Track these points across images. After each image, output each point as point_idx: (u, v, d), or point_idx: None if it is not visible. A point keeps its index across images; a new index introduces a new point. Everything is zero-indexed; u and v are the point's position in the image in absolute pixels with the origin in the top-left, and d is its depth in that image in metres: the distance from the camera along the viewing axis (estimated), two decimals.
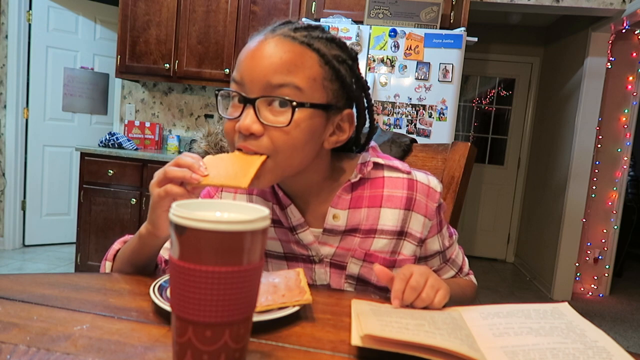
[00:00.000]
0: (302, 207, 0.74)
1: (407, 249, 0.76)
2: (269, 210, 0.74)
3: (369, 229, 0.74)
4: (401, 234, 0.75)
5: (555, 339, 0.50)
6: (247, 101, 0.63)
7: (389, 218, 0.74)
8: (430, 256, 0.81)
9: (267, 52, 0.63)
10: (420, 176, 0.76)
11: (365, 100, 0.74)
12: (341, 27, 2.49)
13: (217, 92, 0.69)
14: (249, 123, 0.62)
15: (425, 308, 0.60)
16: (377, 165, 0.76)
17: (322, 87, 0.65)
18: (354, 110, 0.72)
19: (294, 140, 0.63)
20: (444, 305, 0.61)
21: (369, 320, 0.51)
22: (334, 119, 0.68)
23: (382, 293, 0.73)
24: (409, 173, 0.75)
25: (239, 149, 0.65)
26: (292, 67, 0.63)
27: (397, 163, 0.76)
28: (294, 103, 0.62)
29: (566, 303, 0.60)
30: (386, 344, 0.46)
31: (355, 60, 0.71)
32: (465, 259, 0.89)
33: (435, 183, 0.76)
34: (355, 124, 0.73)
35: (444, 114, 2.46)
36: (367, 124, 0.77)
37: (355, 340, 0.48)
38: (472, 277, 0.90)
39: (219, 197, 0.81)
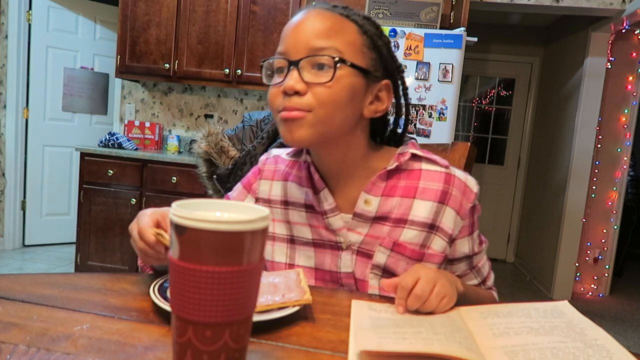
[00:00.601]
0: (335, 191, 0.76)
1: (437, 244, 0.74)
2: (304, 195, 0.76)
3: (399, 218, 0.74)
4: (432, 227, 0.74)
5: (555, 338, 0.50)
6: (291, 64, 0.66)
7: (422, 209, 0.73)
8: (457, 259, 0.78)
9: (308, 21, 0.67)
10: (458, 172, 0.76)
11: (400, 83, 0.76)
12: None
13: (262, 62, 0.71)
14: (293, 83, 0.65)
15: (429, 312, 0.59)
16: (415, 157, 0.76)
17: (361, 53, 0.68)
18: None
19: (336, 94, 0.66)
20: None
21: (365, 335, 0.51)
22: (373, 88, 0.71)
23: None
24: (447, 167, 0.75)
25: (283, 110, 0.67)
26: (332, 32, 0.67)
27: (436, 157, 0.76)
28: (336, 58, 0.65)
29: (566, 301, 0.60)
30: (384, 358, 0.46)
31: (389, 42, 0.74)
32: (492, 273, 0.86)
33: (472, 183, 0.76)
34: (393, 97, 0.75)
35: (443, 114, 2.46)
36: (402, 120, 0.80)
37: (352, 359, 0.48)
38: (495, 294, 0.87)
39: (257, 184, 0.84)
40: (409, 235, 0.73)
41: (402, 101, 0.78)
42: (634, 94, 3.55)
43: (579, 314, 0.56)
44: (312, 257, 0.78)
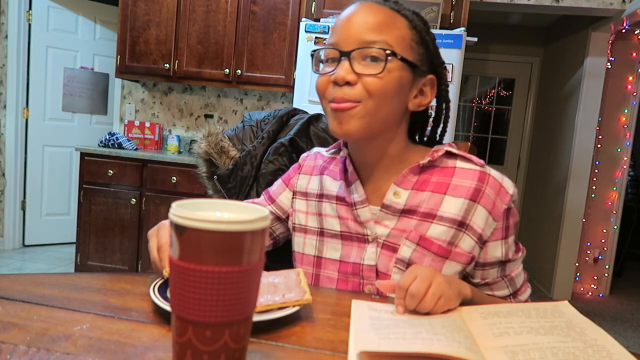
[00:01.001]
0: (368, 184, 0.77)
1: (466, 243, 0.72)
2: (336, 188, 0.79)
3: (428, 212, 0.73)
4: (462, 225, 0.72)
5: (555, 337, 0.50)
6: (342, 54, 0.68)
7: (452, 206, 0.72)
8: (489, 264, 0.75)
9: (361, 14, 0.69)
10: (494, 172, 0.74)
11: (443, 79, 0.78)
12: None
13: (313, 51, 0.73)
14: (344, 73, 0.67)
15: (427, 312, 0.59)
16: (450, 155, 0.76)
17: (410, 48, 0.70)
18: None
19: (385, 86, 0.68)
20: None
21: (365, 336, 0.51)
22: (418, 82, 0.73)
23: None
24: (482, 166, 0.74)
25: (333, 101, 0.69)
26: (383, 26, 0.68)
27: (472, 156, 0.76)
28: (388, 51, 0.67)
29: (566, 301, 0.60)
30: (384, 358, 0.46)
31: (435, 38, 0.76)
32: (528, 286, 0.81)
33: (508, 184, 0.74)
34: (436, 92, 0.77)
35: None
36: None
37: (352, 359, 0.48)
38: None
39: (296, 179, 0.88)
40: (437, 231, 0.72)
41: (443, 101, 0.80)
42: (634, 94, 3.55)
43: (579, 314, 0.56)
44: (339, 249, 0.78)
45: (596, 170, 3.62)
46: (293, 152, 1.09)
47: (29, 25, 3.40)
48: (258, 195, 1.08)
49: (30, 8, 3.38)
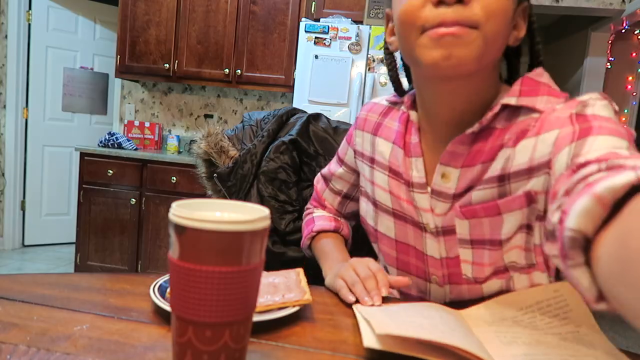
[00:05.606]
0: (428, 153, 0.66)
1: (514, 187, 0.58)
2: (388, 155, 0.71)
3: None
4: (501, 179, 0.59)
5: (565, 351, 0.49)
6: None
7: (495, 169, 0.59)
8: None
9: None
10: (583, 97, 0.58)
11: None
12: (341, 27, 2.49)
13: None
14: None
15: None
16: (511, 109, 0.59)
17: None
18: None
19: (506, 6, 0.53)
20: None
21: (381, 320, 0.48)
22: (516, 10, 0.59)
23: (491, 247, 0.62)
24: (567, 100, 0.58)
25: (438, 26, 0.52)
26: None
27: (554, 90, 0.60)
28: None
29: (567, 283, 0.57)
30: (404, 345, 0.43)
31: None
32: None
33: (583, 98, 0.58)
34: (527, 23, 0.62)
35: None
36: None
37: (369, 342, 0.45)
38: None
39: (354, 134, 0.80)
40: (478, 197, 0.61)
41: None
42: (634, 94, 3.55)
43: (585, 309, 0.54)
44: (391, 227, 0.70)
45: None
46: (294, 150, 1.09)
47: (29, 25, 3.40)
48: (259, 194, 1.08)
49: (30, 8, 3.38)
